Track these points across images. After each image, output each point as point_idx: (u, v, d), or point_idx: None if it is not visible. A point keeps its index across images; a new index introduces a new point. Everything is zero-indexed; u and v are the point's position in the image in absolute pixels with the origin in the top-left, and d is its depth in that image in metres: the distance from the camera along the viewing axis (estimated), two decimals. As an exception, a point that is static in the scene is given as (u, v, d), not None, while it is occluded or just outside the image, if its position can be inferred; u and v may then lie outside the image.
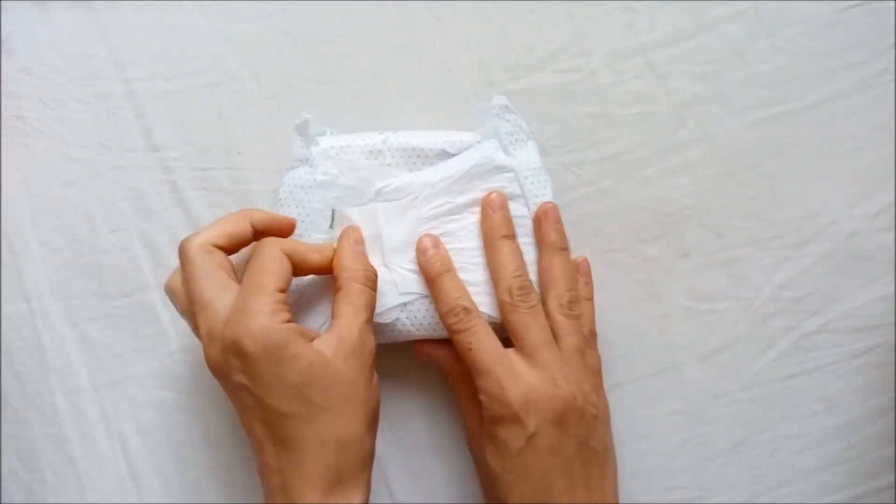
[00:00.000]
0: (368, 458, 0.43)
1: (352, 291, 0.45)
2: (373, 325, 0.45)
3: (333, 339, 0.43)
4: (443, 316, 0.46)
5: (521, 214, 0.48)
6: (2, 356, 0.53)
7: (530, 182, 0.49)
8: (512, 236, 0.48)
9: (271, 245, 0.44)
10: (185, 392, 0.52)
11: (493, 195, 0.48)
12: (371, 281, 0.45)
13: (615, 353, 0.52)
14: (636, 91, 0.52)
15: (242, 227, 0.45)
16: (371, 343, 0.44)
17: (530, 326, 0.46)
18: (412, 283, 0.48)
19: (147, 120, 0.53)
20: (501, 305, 0.46)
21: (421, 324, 0.48)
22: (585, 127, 0.52)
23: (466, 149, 0.49)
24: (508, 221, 0.48)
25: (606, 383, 0.52)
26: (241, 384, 0.42)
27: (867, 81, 0.52)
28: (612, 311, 0.52)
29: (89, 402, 0.53)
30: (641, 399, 0.52)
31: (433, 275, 0.47)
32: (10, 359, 0.53)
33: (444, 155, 0.49)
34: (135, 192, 0.53)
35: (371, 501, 0.51)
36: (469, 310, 0.46)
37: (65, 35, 0.53)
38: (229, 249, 0.45)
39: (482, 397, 0.44)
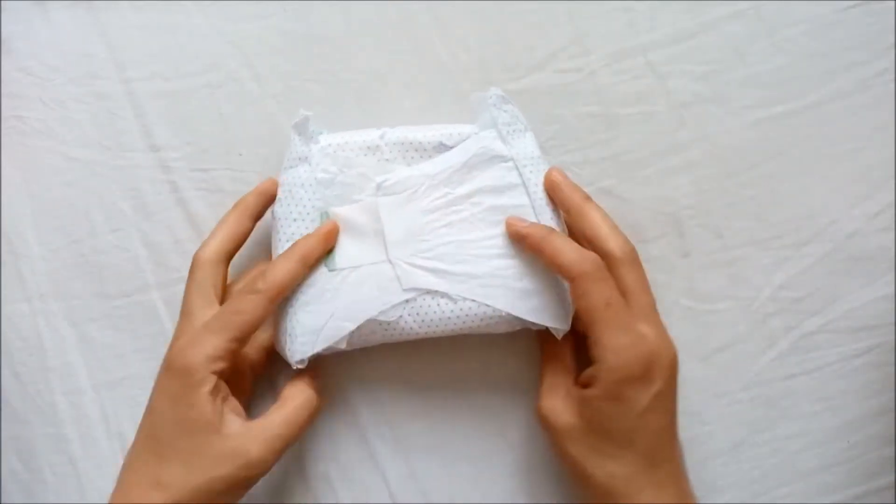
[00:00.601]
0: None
1: (290, 404, 0.46)
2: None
3: (239, 430, 0.44)
4: (580, 262, 0.43)
5: (522, 203, 0.48)
6: (2, 356, 0.53)
7: (529, 171, 0.48)
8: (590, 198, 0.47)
9: (259, 296, 0.45)
10: (185, 392, 0.52)
11: (552, 172, 0.47)
12: (314, 405, 0.46)
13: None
14: (636, 91, 0.52)
15: (245, 226, 0.48)
16: (261, 460, 0.43)
17: (645, 283, 0.45)
18: (416, 278, 0.47)
19: (147, 120, 0.53)
20: (613, 264, 0.44)
21: (424, 321, 0.47)
22: (585, 127, 0.52)
23: (464, 140, 0.49)
24: (578, 186, 0.47)
25: (606, 383, 0.52)
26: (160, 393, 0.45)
27: (867, 81, 0.52)
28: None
29: (89, 402, 0.53)
30: (641, 399, 0.52)
31: (579, 202, 0.46)
32: (10, 359, 0.53)
33: (442, 147, 0.49)
34: (135, 192, 0.53)
35: (371, 502, 0.51)
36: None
37: (65, 35, 0.53)
38: (237, 250, 0.49)
39: (609, 356, 0.42)
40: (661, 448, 0.43)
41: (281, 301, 0.46)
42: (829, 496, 0.51)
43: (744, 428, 0.51)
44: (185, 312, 0.46)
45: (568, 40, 0.52)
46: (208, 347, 0.43)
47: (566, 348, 0.48)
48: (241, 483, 0.43)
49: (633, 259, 0.45)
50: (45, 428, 0.53)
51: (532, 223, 0.46)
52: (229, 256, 0.48)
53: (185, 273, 0.52)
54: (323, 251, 0.47)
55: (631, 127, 0.52)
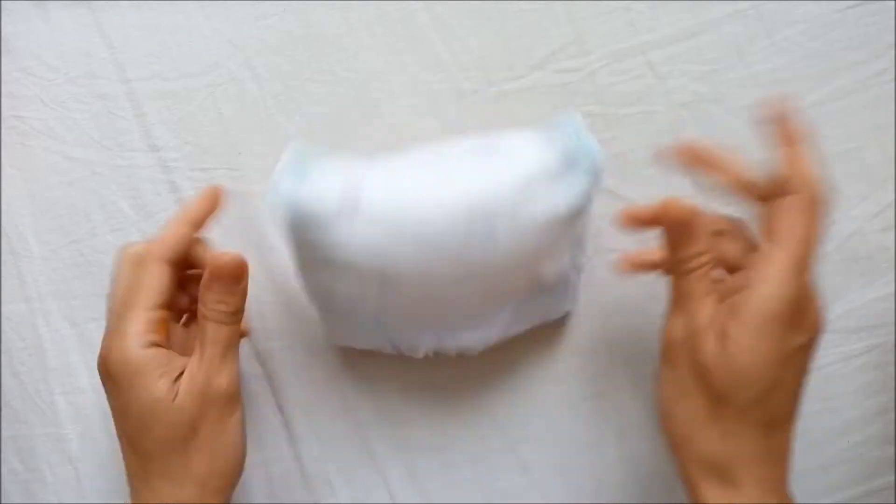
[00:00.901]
0: (213, 492, 0.41)
1: (203, 332, 0.42)
2: (230, 360, 0.42)
3: (187, 380, 0.41)
4: (820, 186, 0.40)
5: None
6: (2, 356, 0.53)
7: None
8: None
9: (150, 259, 0.43)
10: (185, 392, 0.52)
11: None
12: (221, 318, 0.41)
13: (615, 352, 0.52)
14: (636, 91, 0.52)
15: (182, 235, 0.44)
16: (222, 384, 0.41)
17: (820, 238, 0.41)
18: None
19: (147, 120, 0.53)
20: (805, 207, 0.40)
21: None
22: (585, 126, 0.52)
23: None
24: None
25: (606, 383, 0.52)
26: (111, 404, 0.43)
27: (867, 81, 0.52)
28: (612, 310, 0.52)
29: (89, 401, 0.53)
30: (642, 399, 0.52)
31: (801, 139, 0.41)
32: (10, 359, 0.53)
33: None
34: (135, 192, 0.53)
35: (371, 502, 0.51)
36: None
37: (65, 35, 0.53)
38: (181, 265, 0.44)
39: (771, 286, 0.38)
40: (784, 413, 0.40)
41: (175, 260, 0.43)
42: (829, 496, 0.51)
43: (744, 428, 0.51)
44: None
45: (568, 40, 0.52)
46: (131, 332, 0.41)
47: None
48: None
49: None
50: (45, 428, 0.53)
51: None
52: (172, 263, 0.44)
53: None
54: (209, 212, 0.45)
55: (631, 127, 0.52)
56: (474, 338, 0.48)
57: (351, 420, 0.52)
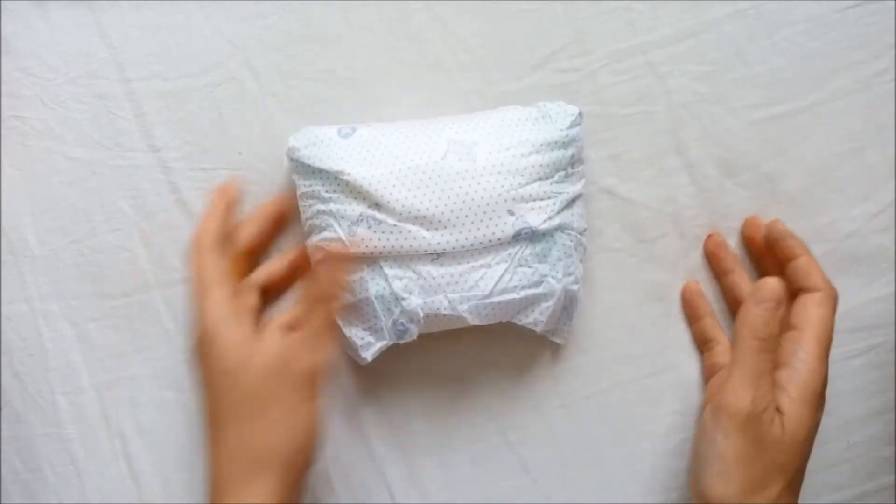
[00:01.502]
0: (285, 468, 0.43)
1: (307, 313, 0.46)
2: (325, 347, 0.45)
3: (277, 349, 0.45)
4: (830, 282, 0.47)
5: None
6: (2, 356, 0.53)
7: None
8: None
9: (198, 247, 0.48)
10: (186, 392, 0.52)
11: (777, 224, 0.49)
12: (326, 297, 0.46)
13: (615, 352, 0.52)
14: (636, 91, 0.52)
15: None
16: (308, 367, 0.44)
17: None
18: None
19: (147, 120, 0.53)
20: (828, 302, 0.46)
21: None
22: (586, 126, 0.52)
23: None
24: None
25: (606, 383, 0.52)
26: (203, 378, 0.46)
27: (867, 81, 0.52)
28: (612, 310, 0.52)
29: (90, 401, 0.53)
30: (642, 399, 0.52)
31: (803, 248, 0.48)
32: (10, 359, 0.53)
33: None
34: (135, 192, 0.53)
35: (371, 502, 0.51)
36: None
37: (65, 35, 0.53)
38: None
39: (815, 365, 0.45)
40: (800, 476, 0.45)
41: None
42: (829, 496, 0.51)
43: (743, 428, 0.51)
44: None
45: (568, 40, 0.52)
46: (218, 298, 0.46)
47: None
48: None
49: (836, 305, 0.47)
50: (46, 428, 0.53)
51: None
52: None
53: (185, 273, 0.52)
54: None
55: (631, 127, 0.52)
56: (467, 298, 0.47)
57: (351, 421, 0.52)
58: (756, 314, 0.44)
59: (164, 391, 0.52)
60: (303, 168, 0.48)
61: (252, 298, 0.48)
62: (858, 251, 0.52)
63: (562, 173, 0.48)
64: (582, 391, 0.52)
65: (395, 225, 0.46)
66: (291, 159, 0.49)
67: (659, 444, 0.52)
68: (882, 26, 0.52)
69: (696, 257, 0.52)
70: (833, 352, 0.51)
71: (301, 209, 0.49)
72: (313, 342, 0.45)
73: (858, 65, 0.52)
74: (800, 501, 0.51)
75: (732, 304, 0.51)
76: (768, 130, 0.52)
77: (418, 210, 0.46)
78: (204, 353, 0.45)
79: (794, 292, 0.47)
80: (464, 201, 0.46)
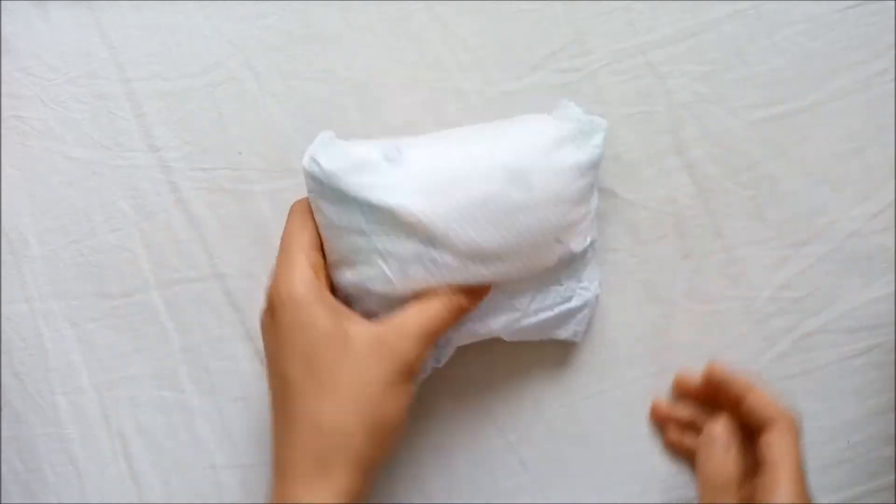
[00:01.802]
0: (357, 456, 0.40)
1: (433, 306, 0.43)
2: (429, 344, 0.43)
3: (371, 331, 0.42)
4: (785, 410, 0.46)
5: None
6: (2, 356, 0.53)
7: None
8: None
9: (297, 212, 0.45)
10: (186, 392, 0.52)
11: (715, 367, 0.49)
12: (454, 304, 0.43)
13: (615, 353, 0.52)
14: (636, 91, 0.52)
15: (314, 229, 0.45)
16: (409, 354, 0.41)
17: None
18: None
19: (147, 120, 0.53)
20: (790, 432, 0.45)
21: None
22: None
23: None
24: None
25: (606, 383, 0.52)
26: (265, 340, 0.43)
27: (867, 81, 0.52)
28: (612, 311, 0.52)
29: (90, 401, 0.53)
30: (642, 400, 0.52)
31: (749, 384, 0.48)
32: (10, 359, 0.53)
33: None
34: (135, 192, 0.53)
35: (371, 502, 0.51)
36: None
37: (65, 35, 0.53)
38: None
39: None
40: None
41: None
42: (829, 496, 0.51)
43: (743, 428, 0.52)
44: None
45: (568, 40, 0.52)
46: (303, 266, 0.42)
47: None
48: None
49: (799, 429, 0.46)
50: (46, 428, 0.53)
51: (735, 370, 0.48)
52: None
53: (186, 273, 0.52)
54: None
55: (631, 127, 0.52)
56: (501, 320, 0.47)
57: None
58: (706, 461, 0.45)
59: (164, 391, 0.52)
60: (335, 194, 0.43)
61: (313, 256, 0.44)
62: (858, 251, 0.52)
63: (593, 191, 0.48)
64: (582, 391, 0.52)
65: (456, 266, 0.43)
66: (319, 181, 0.43)
67: (658, 444, 0.52)
68: (882, 26, 0.52)
69: (697, 258, 0.52)
70: (833, 352, 0.52)
71: (327, 239, 0.45)
72: (421, 336, 0.42)
73: (858, 65, 0.52)
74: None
75: None
76: (768, 130, 0.52)
77: (481, 247, 0.43)
78: (285, 320, 0.42)
79: (755, 428, 0.46)
80: (522, 235, 0.44)
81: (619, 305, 0.52)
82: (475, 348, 0.51)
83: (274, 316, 0.42)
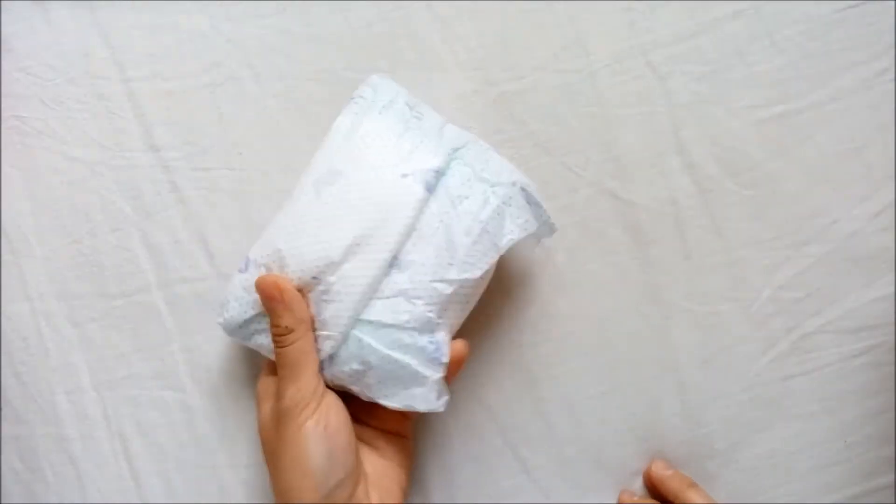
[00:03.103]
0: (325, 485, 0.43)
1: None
2: (298, 376, 0.44)
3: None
4: None
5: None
6: (3, 356, 0.53)
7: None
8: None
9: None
10: (186, 392, 0.52)
11: (656, 467, 0.51)
12: (279, 340, 0.44)
13: (616, 355, 0.52)
14: (636, 91, 0.52)
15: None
16: (288, 403, 0.43)
17: None
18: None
19: (147, 120, 0.53)
20: None
21: None
22: (586, 127, 0.52)
23: None
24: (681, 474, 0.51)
25: (607, 384, 0.52)
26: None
27: (867, 81, 0.52)
28: (613, 313, 0.52)
29: (90, 401, 0.53)
30: (642, 401, 0.52)
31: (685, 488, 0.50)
32: (10, 359, 0.53)
33: None
34: (135, 192, 0.53)
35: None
36: None
37: (65, 35, 0.53)
38: None
39: None
40: None
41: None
42: (827, 496, 0.52)
43: (742, 429, 0.52)
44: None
45: (568, 40, 0.52)
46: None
47: None
48: None
49: None
50: (46, 428, 0.53)
51: (675, 471, 0.51)
52: None
53: (185, 273, 0.52)
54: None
55: (631, 127, 0.52)
56: (447, 262, 0.45)
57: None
58: None
59: (164, 391, 0.52)
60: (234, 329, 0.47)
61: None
62: (859, 251, 0.52)
63: (413, 122, 0.47)
64: (582, 392, 0.52)
65: (336, 288, 0.44)
66: (227, 328, 0.47)
67: (658, 444, 0.52)
68: (882, 26, 0.52)
69: (698, 258, 0.52)
70: (833, 352, 0.52)
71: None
72: (288, 381, 0.44)
73: (858, 65, 0.52)
74: (799, 501, 0.52)
75: None
76: (769, 130, 0.52)
77: (328, 254, 0.44)
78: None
79: None
80: (362, 210, 0.44)
81: (619, 306, 0.52)
82: (475, 348, 0.51)
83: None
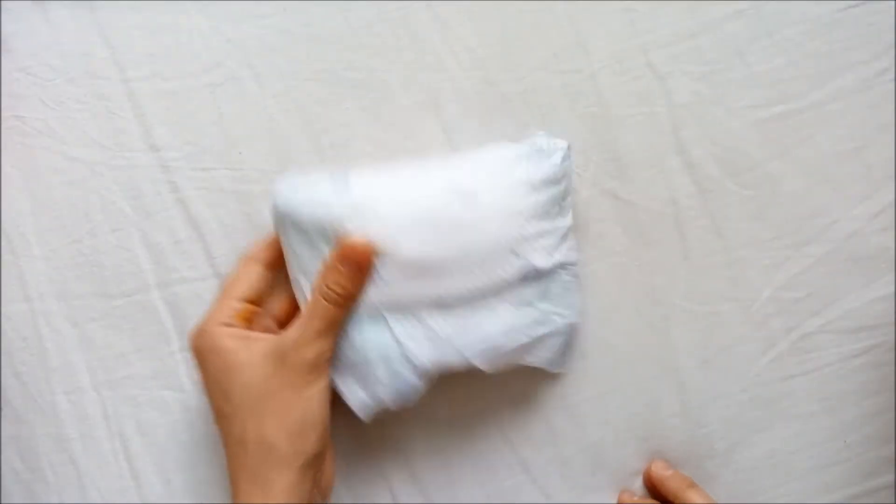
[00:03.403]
0: (286, 460, 0.43)
1: (312, 303, 0.45)
2: (327, 338, 0.44)
3: (269, 344, 0.44)
4: None
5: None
6: (3, 356, 0.53)
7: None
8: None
9: (246, 258, 0.48)
10: (186, 392, 0.52)
11: (656, 467, 0.52)
12: (334, 299, 0.44)
13: (616, 355, 0.52)
14: (637, 91, 0.52)
15: (255, 278, 0.48)
16: (308, 355, 0.43)
17: None
18: None
19: (147, 120, 0.53)
20: None
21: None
22: (587, 128, 0.52)
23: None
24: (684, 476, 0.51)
25: (607, 385, 0.52)
26: (203, 385, 0.46)
27: (867, 81, 0.52)
28: (613, 313, 0.52)
29: (90, 401, 0.53)
30: (641, 401, 0.52)
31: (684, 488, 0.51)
32: (10, 359, 0.53)
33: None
34: (135, 192, 0.53)
35: (371, 502, 0.51)
36: None
37: (65, 35, 0.53)
38: (256, 302, 0.48)
39: None
40: None
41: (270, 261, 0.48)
42: (826, 496, 0.52)
43: (741, 429, 0.52)
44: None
45: (568, 41, 0.52)
46: (213, 315, 0.46)
47: None
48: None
49: None
50: (46, 427, 0.53)
51: (675, 472, 0.51)
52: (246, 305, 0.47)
53: (185, 273, 0.52)
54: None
55: (632, 127, 0.52)
56: (473, 342, 0.47)
57: (352, 422, 0.52)
58: None
59: (164, 391, 0.52)
60: (292, 222, 0.46)
61: (237, 305, 0.47)
62: (859, 251, 0.52)
63: (556, 208, 0.48)
64: (583, 393, 0.52)
65: (403, 281, 0.45)
66: (277, 212, 0.46)
67: (657, 444, 0.52)
68: (882, 26, 0.52)
69: (698, 259, 0.52)
70: (833, 352, 0.52)
71: (290, 266, 0.47)
72: (315, 335, 0.44)
73: (858, 65, 0.52)
74: (798, 502, 0.52)
75: None
76: (769, 130, 0.52)
77: (423, 261, 0.45)
78: (202, 357, 0.46)
79: None
80: (468, 248, 0.45)
81: (619, 307, 0.52)
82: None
83: (194, 355, 0.46)
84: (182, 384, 0.52)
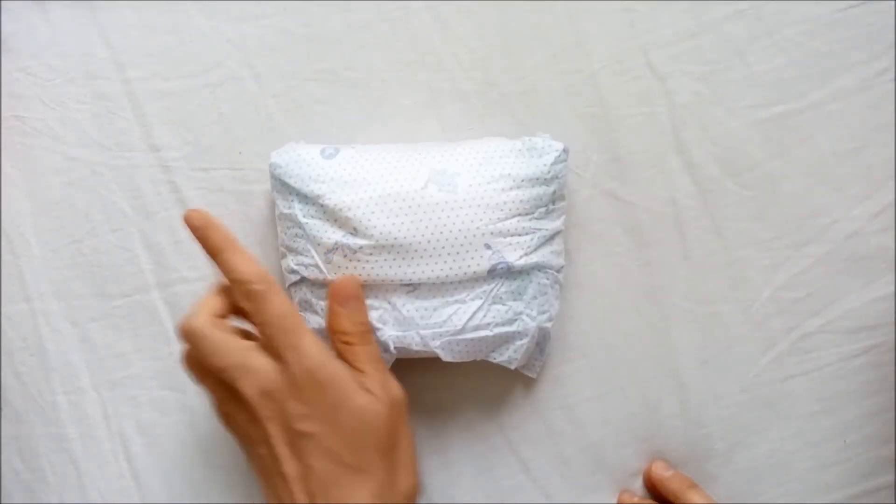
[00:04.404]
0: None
1: (357, 355, 0.44)
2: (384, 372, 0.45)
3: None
4: None
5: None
6: (3, 356, 0.53)
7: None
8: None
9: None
10: (186, 391, 0.52)
11: (657, 467, 0.51)
12: (367, 334, 0.45)
13: (616, 355, 0.52)
14: (637, 91, 0.52)
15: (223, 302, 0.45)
16: (398, 391, 0.44)
17: None
18: None
19: (147, 120, 0.53)
20: None
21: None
22: (587, 128, 0.52)
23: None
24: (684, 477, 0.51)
25: (607, 385, 0.52)
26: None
27: (867, 81, 0.52)
28: (613, 313, 0.52)
29: (90, 401, 0.53)
30: (641, 401, 0.52)
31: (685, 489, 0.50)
32: (10, 359, 0.53)
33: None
34: (135, 192, 0.53)
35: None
36: None
37: (65, 35, 0.53)
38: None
39: None
40: None
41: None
42: (826, 496, 0.52)
43: (741, 429, 0.52)
44: (239, 371, 0.43)
45: (568, 41, 0.52)
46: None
47: None
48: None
49: None
50: (46, 428, 0.53)
51: (675, 472, 0.51)
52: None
53: (185, 273, 0.52)
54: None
55: (632, 128, 0.52)
56: (440, 332, 0.46)
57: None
58: None
59: (164, 391, 0.53)
60: (283, 187, 0.48)
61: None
62: (858, 251, 0.52)
63: (542, 210, 0.48)
64: (582, 393, 0.52)
65: (370, 254, 0.46)
66: (273, 176, 0.49)
67: (657, 445, 0.52)
68: (882, 26, 0.52)
69: (698, 259, 0.52)
70: (832, 352, 0.52)
71: (279, 229, 0.49)
72: (377, 374, 0.44)
73: (858, 65, 0.52)
74: (797, 501, 0.52)
75: None
76: (769, 130, 0.52)
77: (395, 238, 0.46)
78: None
79: None
80: (441, 232, 0.46)
81: (619, 307, 0.52)
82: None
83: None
84: (182, 384, 0.52)
